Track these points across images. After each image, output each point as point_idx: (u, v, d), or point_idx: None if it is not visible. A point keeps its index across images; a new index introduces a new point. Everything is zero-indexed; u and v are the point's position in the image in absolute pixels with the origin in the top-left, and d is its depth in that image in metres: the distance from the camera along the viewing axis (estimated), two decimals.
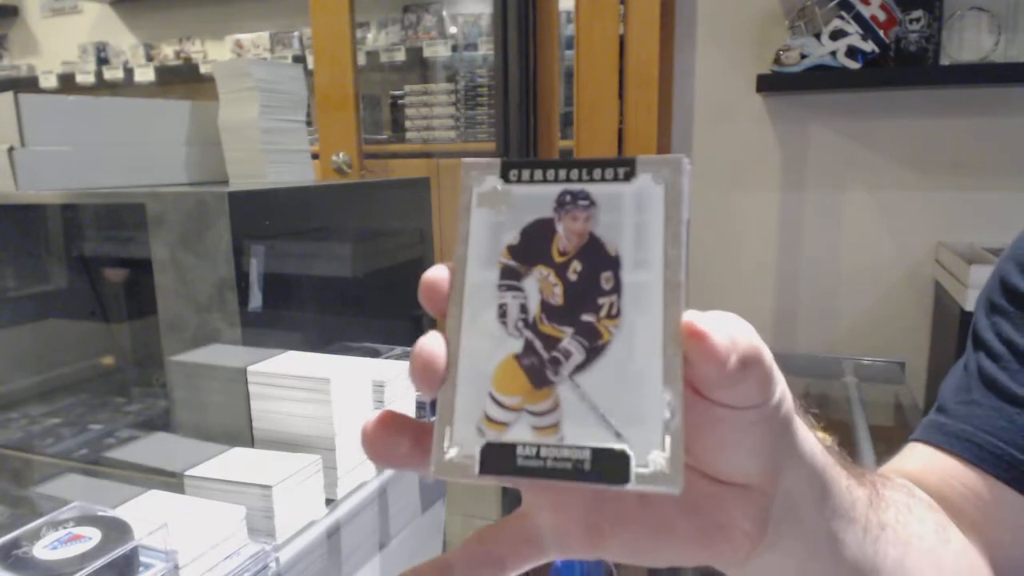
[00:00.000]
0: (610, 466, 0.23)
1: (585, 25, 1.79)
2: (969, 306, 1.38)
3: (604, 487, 0.23)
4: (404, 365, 0.89)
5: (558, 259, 0.25)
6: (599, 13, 1.77)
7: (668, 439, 0.23)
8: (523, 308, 0.25)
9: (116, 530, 0.59)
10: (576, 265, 0.25)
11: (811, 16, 1.69)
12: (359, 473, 0.83)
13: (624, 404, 0.24)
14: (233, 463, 0.73)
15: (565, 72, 2.09)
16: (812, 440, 0.30)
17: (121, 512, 0.64)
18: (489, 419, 0.24)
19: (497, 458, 0.24)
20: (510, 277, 0.25)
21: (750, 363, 0.24)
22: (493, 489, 0.99)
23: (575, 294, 0.25)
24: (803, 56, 1.66)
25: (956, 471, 0.48)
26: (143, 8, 3.43)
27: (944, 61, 1.63)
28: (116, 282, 1.17)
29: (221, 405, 0.84)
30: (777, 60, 1.68)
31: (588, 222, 0.25)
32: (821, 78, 1.67)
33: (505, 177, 0.27)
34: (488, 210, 0.26)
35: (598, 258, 0.25)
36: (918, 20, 1.63)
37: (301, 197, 1.02)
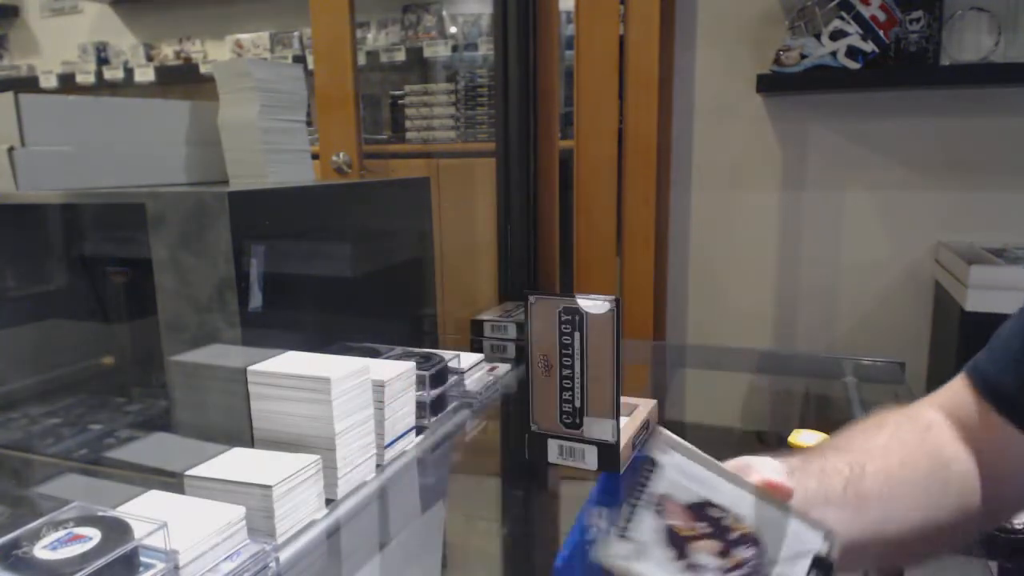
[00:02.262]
0: None
1: (585, 25, 1.79)
2: (969, 306, 1.38)
3: None
4: (404, 365, 0.89)
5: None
6: (599, 13, 1.77)
7: None
8: None
9: (116, 530, 0.59)
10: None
11: (811, 16, 1.69)
12: (359, 473, 0.83)
13: None
14: (233, 463, 0.73)
15: (565, 72, 2.09)
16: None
17: (121, 512, 0.63)
18: None
19: None
20: None
21: None
22: (493, 489, 0.99)
23: None
24: (803, 56, 1.66)
25: (975, 402, 0.57)
26: (143, 8, 3.43)
27: (944, 61, 1.63)
28: (116, 282, 1.17)
29: (221, 405, 0.84)
30: (777, 60, 1.68)
31: None
32: (821, 78, 1.67)
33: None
34: None
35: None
36: (918, 20, 1.63)
37: (301, 197, 1.02)
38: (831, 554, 0.33)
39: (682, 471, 0.37)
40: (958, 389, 0.59)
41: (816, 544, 0.34)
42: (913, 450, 0.55)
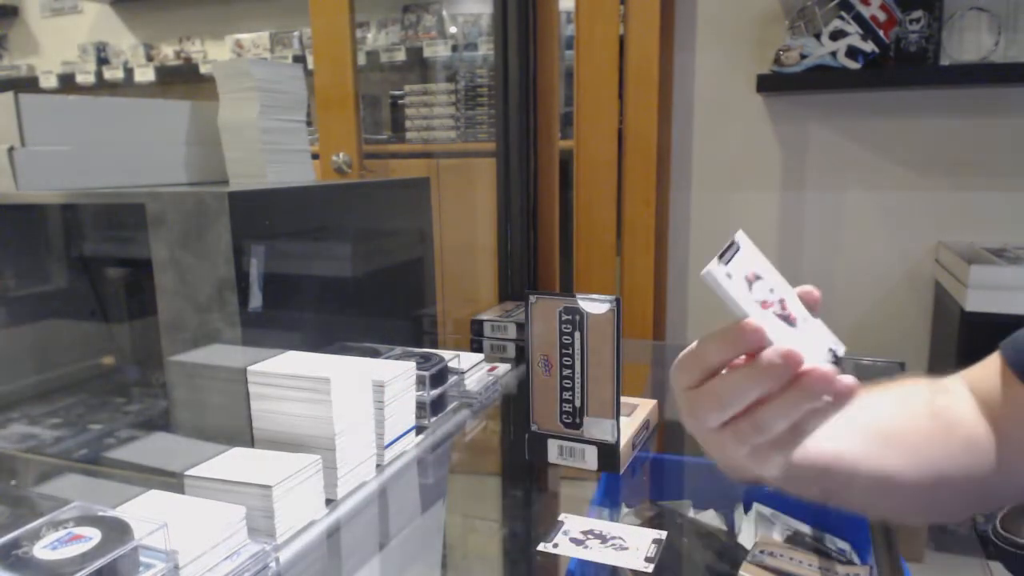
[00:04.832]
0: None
1: (585, 25, 1.79)
2: (969, 306, 1.38)
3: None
4: (404, 365, 0.89)
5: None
6: (599, 13, 1.77)
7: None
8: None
9: (116, 530, 0.59)
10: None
11: (811, 16, 1.69)
12: (359, 473, 0.83)
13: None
14: (233, 463, 0.73)
15: (565, 72, 2.09)
16: None
17: (121, 512, 0.63)
18: None
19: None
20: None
21: None
22: (493, 489, 0.99)
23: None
24: (803, 56, 1.66)
25: (1001, 373, 0.58)
26: (143, 8, 3.43)
27: (944, 61, 1.63)
28: (116, 282, 1.17)
29: (221, 405, 0.84)
30: (777, 60, 1.68)
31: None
32: (821, 78, 1.67)
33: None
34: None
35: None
36: (918, 20, 1.63)
37: (301, 197, 1.02)
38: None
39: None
40: (988, 364, 0.60)
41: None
42: (912, 402, 0.59)
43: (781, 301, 0.48)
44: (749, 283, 0.46)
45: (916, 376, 0.62)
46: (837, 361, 0.49)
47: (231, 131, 1.16)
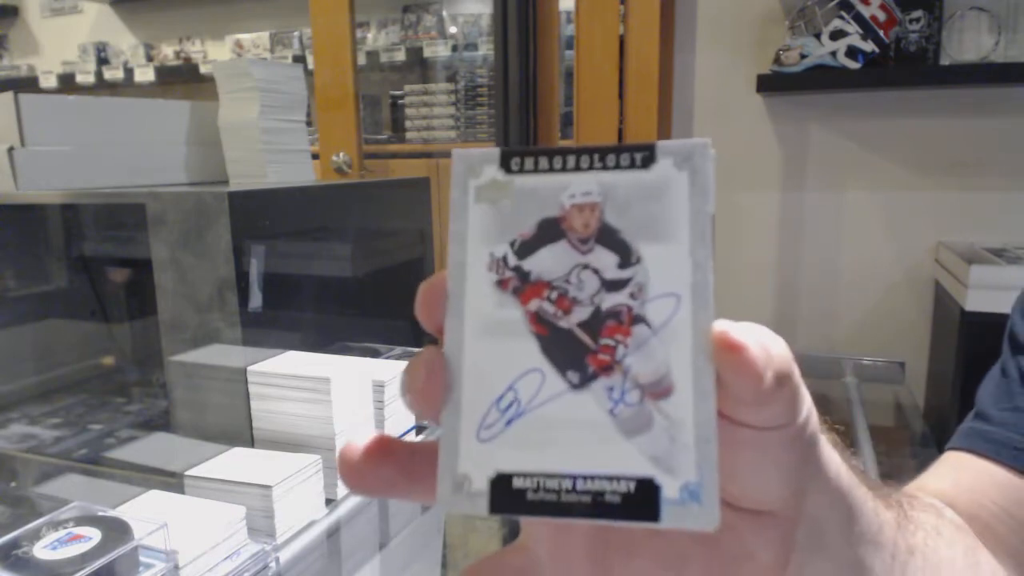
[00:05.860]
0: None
1: (585, 25, 1.79)
2: (969, 306, 1.38)
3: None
4: (404, 365, 0.89)
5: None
6: (599, 13, 1.77)
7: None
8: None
9: (116, 530, 0.59)
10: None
11: (811, 16, 1.69)
12: None
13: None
14: (233, 463, 0.73)
15: (565, 72, 2.09)
16: (837, 460, 0.28)
17: (121, 512, 0.64)
18: None
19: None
20: None
21: (784, 379, 0.21)
22: None
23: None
24: (803, 56, 1.66)
25: (1000, 482, 0.46)
26: (143, 8, 3.43)
27: (944, 61, 1.63)
28: (116, 282, 1.17)
29: (221, 405, 0.84)
30: (777, 60, 1.68)
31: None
32: (821, 78, 1.67)
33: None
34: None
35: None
36: (918, 20, 1.63)
37: (301, 197, 1.02)
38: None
39: None
40: (968, 474, 0.46)
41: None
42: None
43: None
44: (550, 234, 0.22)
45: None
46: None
47: (231, 131, 1.16)
